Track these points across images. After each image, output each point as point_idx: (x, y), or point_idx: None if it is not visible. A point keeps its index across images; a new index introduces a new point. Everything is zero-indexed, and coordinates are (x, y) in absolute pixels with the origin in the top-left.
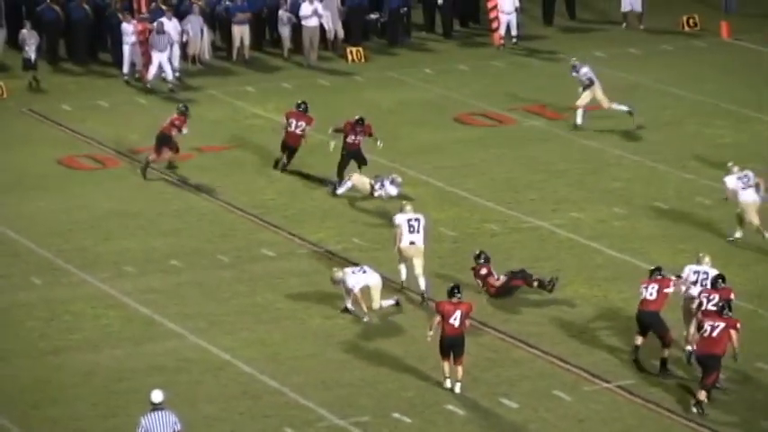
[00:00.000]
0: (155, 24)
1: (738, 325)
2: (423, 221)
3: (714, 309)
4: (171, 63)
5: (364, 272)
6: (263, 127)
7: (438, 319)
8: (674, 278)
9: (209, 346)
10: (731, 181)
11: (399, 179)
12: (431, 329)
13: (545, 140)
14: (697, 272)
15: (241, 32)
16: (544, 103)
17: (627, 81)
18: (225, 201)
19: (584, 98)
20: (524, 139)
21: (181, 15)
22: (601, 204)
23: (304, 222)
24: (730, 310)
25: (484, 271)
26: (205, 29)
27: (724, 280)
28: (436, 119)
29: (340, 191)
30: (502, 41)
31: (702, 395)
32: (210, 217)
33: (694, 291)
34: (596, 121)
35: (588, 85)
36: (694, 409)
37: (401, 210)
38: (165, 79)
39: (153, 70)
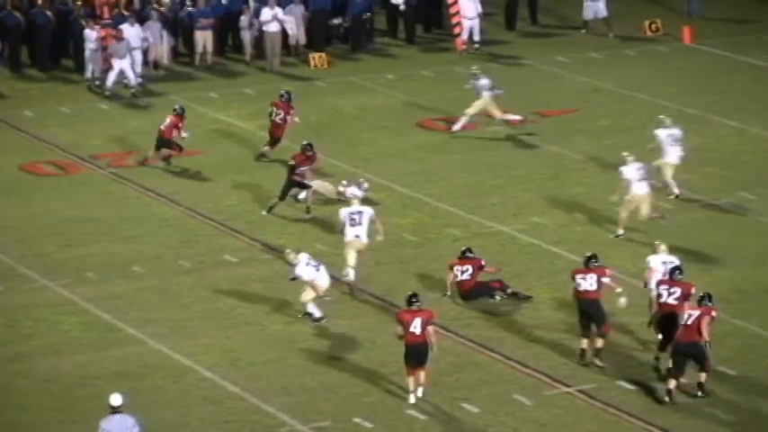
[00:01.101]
0: (122, 31)
1: (714, 313)
2: (367, 214)
3: (675, 302)
4: (133, 69)
5: (317, 269)
6: (225, 132)
7: (400, 328)
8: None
9: (170, 352)
10: (627, 170)
11: (366, 185)
12: (400, 338)
13: (507, 145)
14: (664, 262)
15: (204, 38)
16: (506, 108)
17: (589, 85)
18: (187, 206)
19: (476, 107)
20: (486, 144)
21: (143, 21)
22: (562, 209)
23: (266, 228)
24: (710, 300)
25: (466, 267)
26: (165, 34)
27: (681, 272)
28: (398, 124)
29: (302, 196)
30: (464, 47)
31: (703, 377)
32: (172, 223)
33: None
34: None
35: (480, 94)
36: (699, 393)
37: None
38: (126, 85)
39: (112, 77)
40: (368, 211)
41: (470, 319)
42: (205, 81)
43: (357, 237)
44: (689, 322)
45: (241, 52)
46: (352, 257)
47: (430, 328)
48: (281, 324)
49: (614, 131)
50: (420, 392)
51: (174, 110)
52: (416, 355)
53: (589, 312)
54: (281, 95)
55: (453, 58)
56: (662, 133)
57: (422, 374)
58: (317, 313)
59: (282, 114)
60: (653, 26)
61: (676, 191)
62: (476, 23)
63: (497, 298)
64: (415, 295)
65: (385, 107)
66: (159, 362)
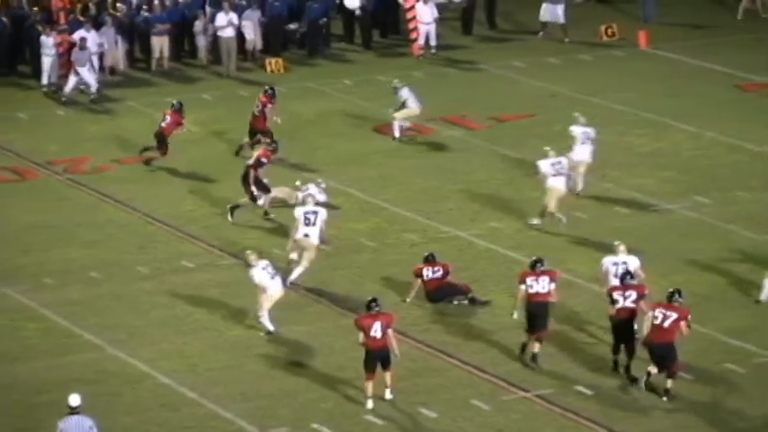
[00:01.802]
0: (77, 40)
1: (689, 315)
2: (321, 215)
3: (632, 306)
4: (92, 75)
5: (272, 277)
6: (182, 138)
7: (361, 335)
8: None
9: (128, 358)
10: (545, 164)
11: (324, 184)
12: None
13: (463, 150)
14: (616, 263)
15: (160, 43)
16: (463, 114)
17: (546, 90)
18: (144, 212)
19: (404, 113)
20: (443, 149)
21: (99, 27)
22: (519, 214)
23: (224, 233)
24: (680, 295)
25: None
26: (120, 39)
27: (632, 276)
28: (356, 129)
29: (261, 201)
30: (421, 51)
31: (669, 383)
32: (130, 228)
33: (615, 282)
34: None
35: (402, 106)
36: (665, 398)
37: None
38: (83, 91)
39: (71, 84)
40: (322, 213)
41: (428, 323)
42: (162, 86)
43: (307, 236)
44: (665, 324)
45: (198, 57)
46: (298, 256)
47: (390, 332)
48: (238, 330)
49: (570, 136)
50: (389, 394)
51: (173, 105)
52: (378, 359)
53: (538, 314)
54: (266, 90)
55: (410, 63)
56: (576, 130)
57: (388, 377)
58: (270, 327)
59: (261, 106)
60: (609, 31)
61: (579, 188)
62: (432, 28)
63: (455, 302)
64: (374, 300)
65: (342, 112)
66: (117, 368)
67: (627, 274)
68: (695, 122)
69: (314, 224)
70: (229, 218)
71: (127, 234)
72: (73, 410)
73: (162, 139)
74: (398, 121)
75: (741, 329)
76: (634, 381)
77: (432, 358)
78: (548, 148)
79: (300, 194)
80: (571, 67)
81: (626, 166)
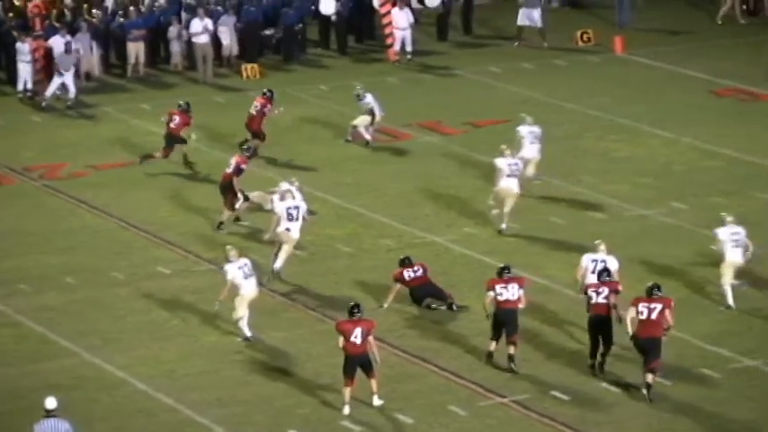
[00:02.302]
0: (63, 44)
1: (672, 304)
2: (303, 210)
3: (605, 302)
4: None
5: (246, 278)
6: (158, 144)
7: (341, 339)
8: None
9: (103, 364)
10: (502, 163)
11: (297, 183)
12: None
13: (440, 156)
14: (595, 260)
15: (136, 49)
16: (439, 119)
17: (521, 96)
18: (120, 218)
19: (363, 120)
20: (419, 154)
21: (74, 33)
22: (495, 220)
23: (199, 240)
24: (659, 290)
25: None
26: (94, 45)
27: (609, 274)
28: (332, 135)
29: (238, 205)
30: (397, 57)
31: (650, 378)
32: (105, 234)
33: (593, 279)
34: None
35: (370, 111)
36: (644, 392)
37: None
38: (60, 97)
39: (52, 87)
40: (303, 207)
41: (405, 329)
42: (137, 92)
43: (288, 230)
44: (652, 317)
45: (172, 63)
46: (279, 249)
47: (371, 339)
48: (215, 335)
49: (547, 141)
50: (377, 401)
51: (179, 105)
52: (357, 365)
53: (506, 321)
54: (264, 92)
55: (385, 69)
56: (523, 130)
57: (374, 383)
58: (247, 333)
59: (259, 107)
60: (585, 36)
61: (530, 176)
62: (408, 34)
63: (433, 306)
64: (357, 305)
65: (318, 118)
66: (93, 374)
67: (605, 270)
68: (671, 128)
69: (296, 219)
70: (245, 222)
71: (103, 240)
72: (49, 413)
73: (171, 141)
74: (361, 127)
75: (717, 334)
76: (602, 372)
77: (408, 364)
78: (504, 147)
79: (278, 194)
80: (547, 73)
81: (601, 171)
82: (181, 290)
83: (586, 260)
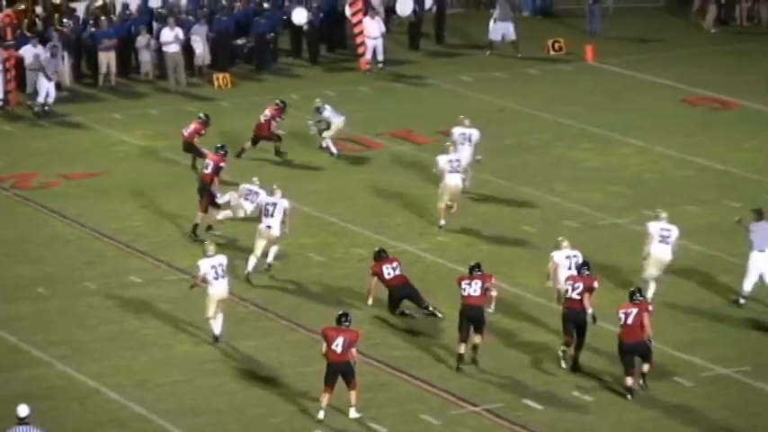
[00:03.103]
0: (48, 48)
1: (651, 308)
2: (281, 206)
3: (579, 297)
4: (38, 90)
5: (217, 278)
6: (129, 153)
7: (324, 345)
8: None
9: (76, 374)
10: (442, 160)
11: (257, 181)
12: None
13: (411, 165)
14: (568, 256)
15: (107, 59)
16: (410, 128)
17: (493, 105)
18: (92, 227)
19: (332, 131)
20: (391, 163)
21: (46, 42)
22: (468, 228)
23: (172, 249)
24: (641, 294)
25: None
26: (65, 55)
27: (588, 267)
28: (303, 144)
29: (220, 200)
30: (368, 66)
31: (646, 368)
32: (77, 244)
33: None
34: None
35: (327, 126)
36: (637, 388)
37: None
38: (30, 106)
39: (52, 93)
40: (282, 204)
41: (378, 338)
42: (109, 102)
43: (269, 227)
44: (629, 321)
45: (140, 73)
46: (258, 247)
47: (354, 351)
48: (187, 344)
49: (519, 150)
50: (353, 413)
51: (199, 117)
52: (337, 373)
53: (471, 317)
54: (276, 103)
55: (357, 78)
56: (456, 132)
57: (353, 396)
58: (216, 330)
59: (269, 116)
60: (556, 45)
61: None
62: (379, 43)
63: (407, 312)
64: (345, 315)
65: (289, 127)
66: (65, 384)
67: (584, 265)
68: (642, 137)
69: (272, 215)
70: (217, 232)
71: (74, 249)
72: (21, 421)
73: (188, 146)
74: (328, 138)
75: (688, 343)
76: (574, 369)
77: (381, 373)
78: (448, 144)
79: (240, 197)
80: (519, 82)
81: (573, 180)
82: (153, 299)
83: (559, 257)
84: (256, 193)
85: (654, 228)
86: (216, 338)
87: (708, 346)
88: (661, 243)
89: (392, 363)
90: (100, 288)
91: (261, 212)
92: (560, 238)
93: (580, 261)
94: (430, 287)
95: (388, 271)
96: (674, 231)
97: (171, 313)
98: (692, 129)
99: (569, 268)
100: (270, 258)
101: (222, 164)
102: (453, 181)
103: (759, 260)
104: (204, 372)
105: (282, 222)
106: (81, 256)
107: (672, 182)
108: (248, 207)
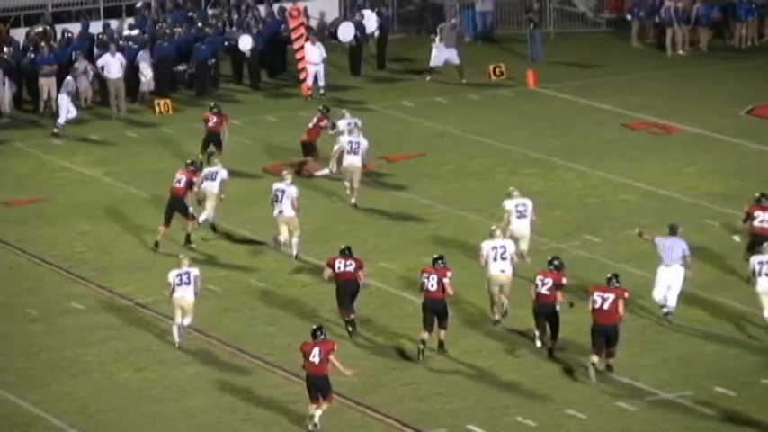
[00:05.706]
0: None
1: (626, 294)
2: (289, 192)
3: (548, 293)
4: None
5: (180, 284)
6: (70, 179)
7: (303, 360)
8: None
9: (18, 401)
10: (342, 140)
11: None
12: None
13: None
14: (495, 247)
15: (48, 85)
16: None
17: (434, 130)
18: (33, 254)
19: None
20: (332, 188)
21: None
22: (410, 253)
23: (114, 275)
24: (617, 280)
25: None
26: (6, 81)
27: (557, 267)
28: (245, 170)
29: (203, 217)
30: (309, 92)
31: (612, 361)
32: (18, 270)
33: (494, 267)
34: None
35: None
36: (592, 372)
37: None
38: None
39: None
40: (289, 190)
41: None
42: (49, 128)
43: (281, 212)
44: (605, 306)
45: (79, 99)
46: (283, 232)
47: (332, 358)
48: (129, 371)
49: (460, 175)
50: (316, 419)
51: (211, 109)
52: (315, 385)
53: (434, 309)
54: (320, 109)
55: (298, 104)
56: (341, 123)
57: (324, 405)
58: (176, 338)
59: (316, 121)
60: (497, 70)
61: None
62: (320, 69)
63: (349, 329)
64: (319, 328)
65: (232, 153)
66: (7, 410)
67: (555, 258)
68: (584, 161)
69: (280, 201)
70: (213, 233)
71: (16, 276)
72: None
73: (214, 139)
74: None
75: (633, 367)
76: (551, 356)
77: None
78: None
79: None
80: (460, 107)
81: None
82: (95, 325)
83: (486, 247)
84: (216, 172)
85: (510, 205)
86: (176, 344)
87: (651, 370)
88: (519, 218)
89: (335, 389)
90: (41, 314)
91: (271, 200)
92: (511, 188)
93: (507, 249)
94: (372, 313)
95: (339, 265)
96: (529, 205)
97: (113, 340)
98: (633, 153)
99: (494, 259)
100: (294, 251)
101: (195, 179)
102: (352, 161)
103: (666, 274)
104: (146, 398)
105: (292, 206)
106: (22, 282)
107: (613, 206)
108: (213, 188)
